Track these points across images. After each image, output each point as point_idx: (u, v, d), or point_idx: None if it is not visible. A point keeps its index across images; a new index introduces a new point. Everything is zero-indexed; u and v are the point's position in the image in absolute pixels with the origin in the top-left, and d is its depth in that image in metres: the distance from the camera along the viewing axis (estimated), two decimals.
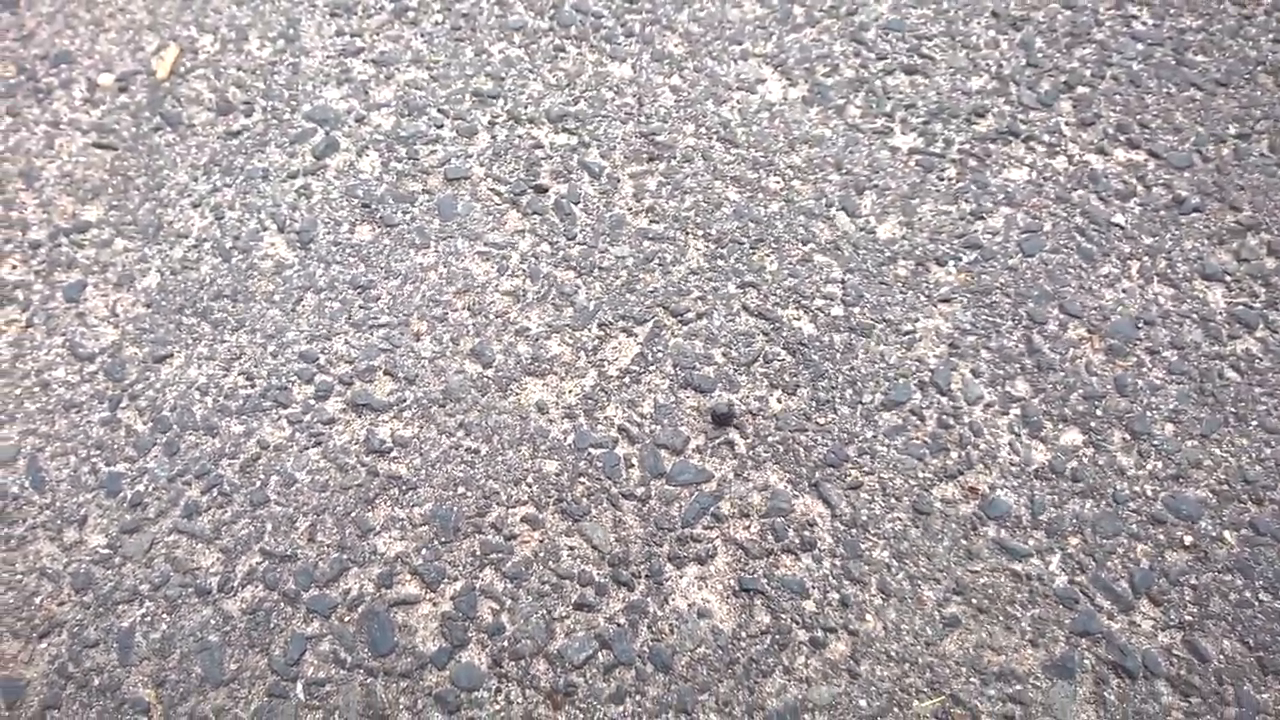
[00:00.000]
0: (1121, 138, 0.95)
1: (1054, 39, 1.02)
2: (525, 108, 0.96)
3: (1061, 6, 1.05)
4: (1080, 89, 0.99)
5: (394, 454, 0.77)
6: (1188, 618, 0.70)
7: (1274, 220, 0.90)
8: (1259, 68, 1.01)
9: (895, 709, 0.67)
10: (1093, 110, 0.97)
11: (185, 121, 0.96)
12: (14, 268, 0.88)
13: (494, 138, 0.94)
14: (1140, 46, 1.02)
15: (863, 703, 0.67)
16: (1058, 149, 0.94)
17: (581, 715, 0.67)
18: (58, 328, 0.84)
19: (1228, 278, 0.86)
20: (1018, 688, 0.68)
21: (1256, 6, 1.06)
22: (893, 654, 0.69)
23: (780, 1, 1.05)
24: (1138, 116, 0.96)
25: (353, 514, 0.74)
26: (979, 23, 1.04)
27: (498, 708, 0.67)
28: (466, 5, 1.04)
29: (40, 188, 0.92)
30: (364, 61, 1.00)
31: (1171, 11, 1.05)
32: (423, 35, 1.02)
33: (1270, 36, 1.04)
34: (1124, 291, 0.85)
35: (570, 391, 0.79)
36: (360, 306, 0.84)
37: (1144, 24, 1.04)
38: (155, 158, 0.93)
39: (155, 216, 0.90)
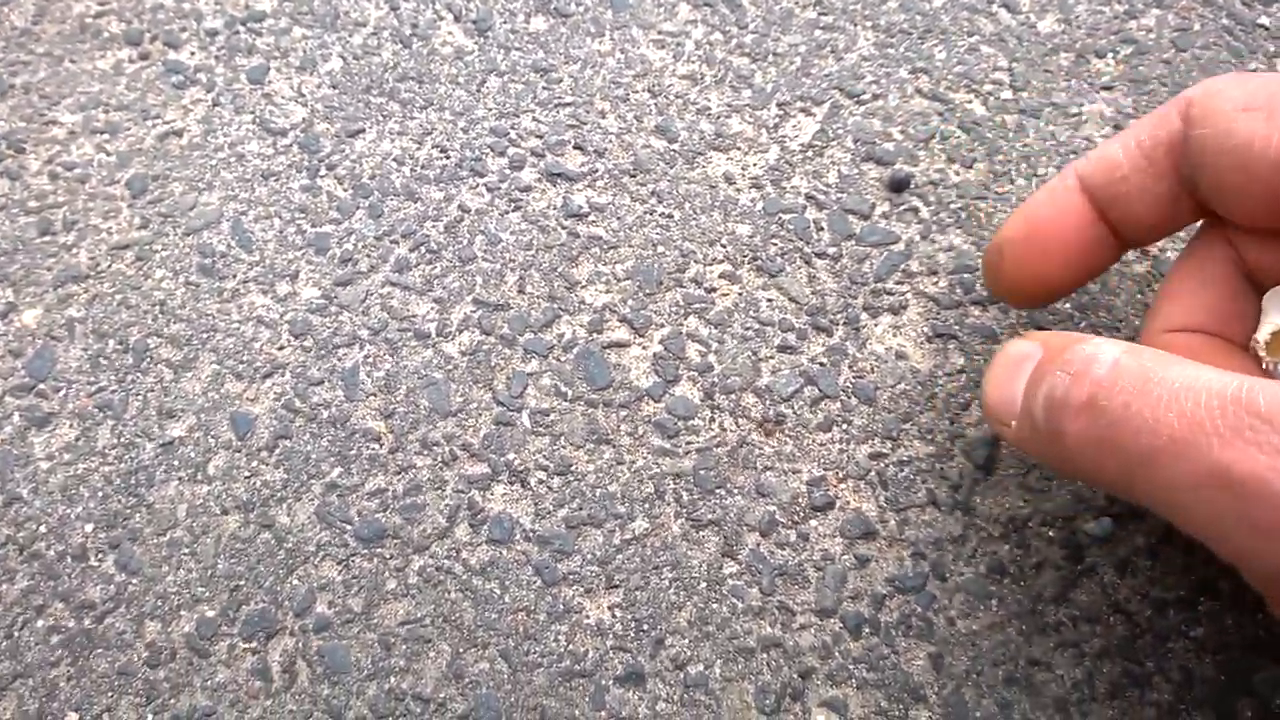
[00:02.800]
0: None
1: None
2: None
3: None
4: None
5: (591, 217, 0.79)
6: None
7: None
8: None
9: None
10: None
11: None
12: (192, 54, 0.89)
13: None
14: None
15: None
16: None
17: (792, 441, 0.70)
18: (245, 106, 0.85)
19: None
20: None
21: None
22: None
23: None
24: None
25: (558, 269, 0.77)
26: None
27: (713, 434, 0.70)
28: None
29: None
30: None
31: None
32: None
33: None
34: None
35: (755, 164, 0.81)
36: (544, 88, 0.85)
37: None
38: None
39: (331, 7, 0.90)
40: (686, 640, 0.64)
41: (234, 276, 0.77)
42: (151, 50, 0.89)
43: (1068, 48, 0.89)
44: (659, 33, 0.89)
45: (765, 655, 0.64)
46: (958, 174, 0.81)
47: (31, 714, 0.64)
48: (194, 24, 0.90)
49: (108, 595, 0.67)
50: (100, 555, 0.68)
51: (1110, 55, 0.89)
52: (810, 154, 0.82)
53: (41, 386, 0.74)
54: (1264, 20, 0.92)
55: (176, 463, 0.71)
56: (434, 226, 0.78)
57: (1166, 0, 0.93)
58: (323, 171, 0.81)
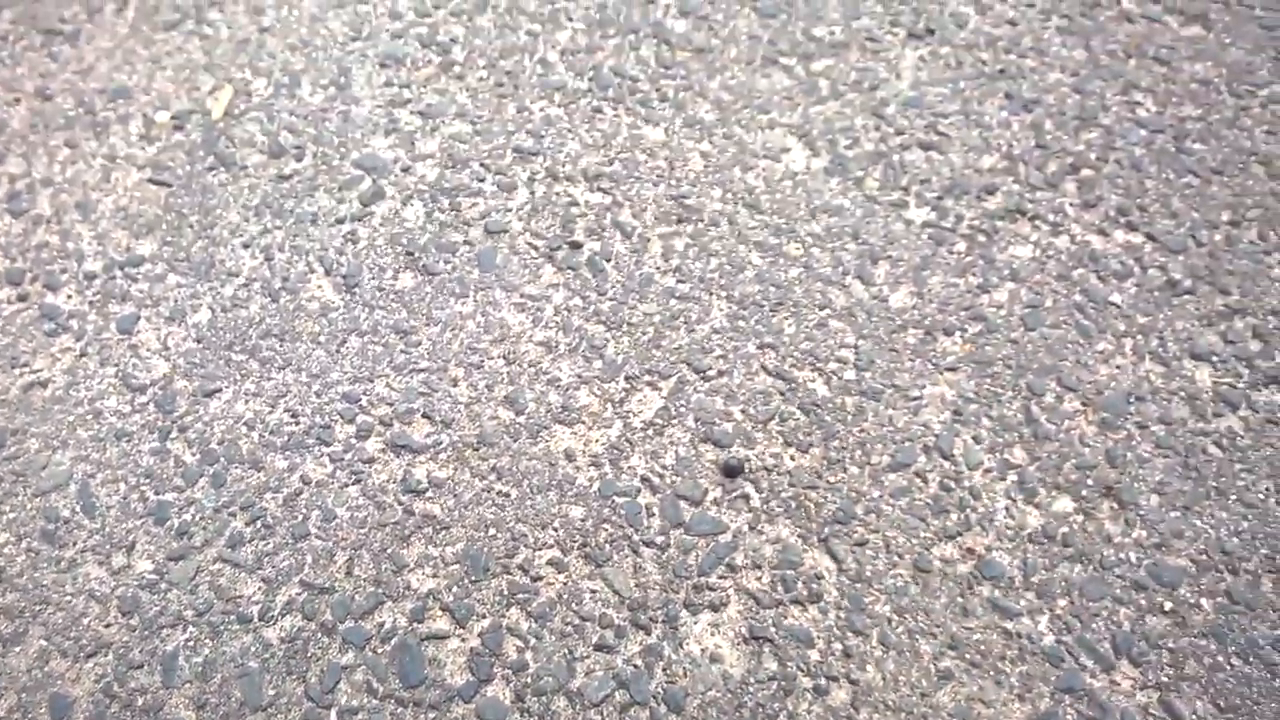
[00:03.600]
0: (1121, 220, 1.01)
1: (1063, 122, 1.08)
2: (563, 165, 1.02)
3: (1071, 90, 1.11)
4: (1085, 171, 1.04)
5: (429, 494, 0.81)
6: (1164, 679, 0.75)
7: (1259, 305, 0.96)
8: (1252, 158, 1.07)
9: None
10: (1096, 192, 1.03)
11: (238, 163, 1.01)
12: (69, 297, 0.93)
13: (533, 193, 1.00)
14: (1143, 133, 1.08)
15: None
16: (1061, 228, 1.00)
17: None
18: (111, 358, 0.89)
19: (1214, 358, 0.92)
20: None
21: (1252, 98, 1.12)
22: (890, 703, 0.73)
23: (806, 74, 1.10)
24: (1137, 200, 1.02)
25: (389, 550, 0.79)
26: (992, 103, 1.09)
27: None
28: (510, 63, 1.10)
29: (96, 220, 0.97)
30: (411, 112, 1.05)
31: (1174, 100, 1.12)
32: (467, 90, 1.08)
33: (1264, 128, 1.10)
34: (1118, 367, 0.90)
35: (597, 441, 0.84)
36: (402, 351, 0.89)
37: (1147, 110, 1.10)
38: (208, 197, 0.98)
39: (207, 254, 0.95)
40: None
41: (73, 545, 0.79)
42: (30, 291, 0.92)
43: (917, 323, 0.92)
44: (521, 295, 0.92)
45: None
46: (793, 459, 0.84)
47: None
48: (75, 265, 0.94)
49: None
50: None
51: (958, 333, 0.92)
52: (651, 432, 0.85)
53: None
54: (1115, 297, 0.96)
55: None
56: (273, 499, 0.81)
57: (1022, 274, 0.97)
58: (174, 433, 0.84)
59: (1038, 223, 1.00)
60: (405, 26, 1.13)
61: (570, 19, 1.14)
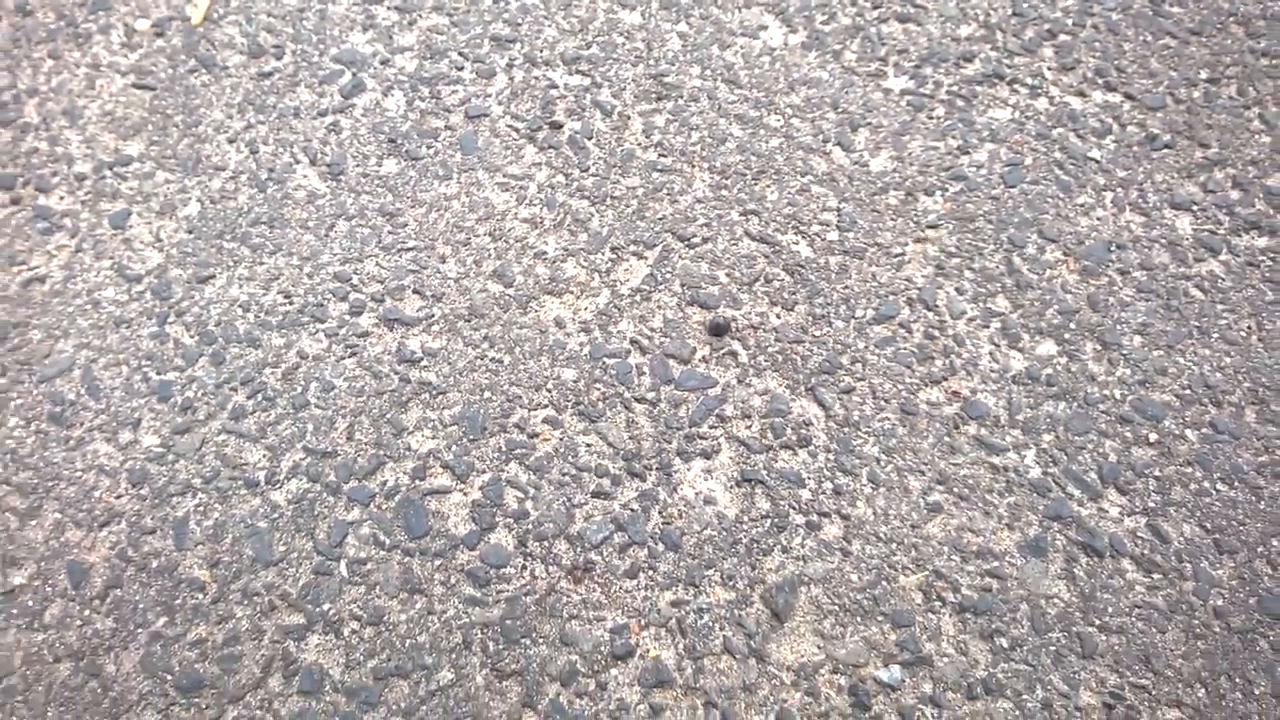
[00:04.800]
0: (1100, 81, 1.01)
1: None
2: (541, 51, 1.02)
3: None
4: (1062, 36, 1.05)
5: (424, 363, 0.83)
6: (1151, 505, 0.77)
7: (1239, 156, 0.97)
8: (1230, 18, 1.07)
9: (883, 582, 0.74)
10: (1073, 56, 1.03)
11: (219, 64, 1.02)
12: (61, 198, 0.94)
13: (511, 79, 1.00)
14: None
15: (854, 577, 0.74)
16: (1039, 91, 1.00)
17: (599, 588, 0.74)
18: (105, 252, 0.90)
19: (1195, 207, 0.93)
20: (995, 565, 0.75)
21: None
22: (881, 535, 0.76)
23: None
24: (1115, 62, 1.03)
25: (387, 416, 0.81)
26: None
27: (523, 582, 0.74)
28: None
29: (83, 125, 0.98)
30: (387, 8, 1.06)
31: None
32: None
33: None
34: (1098, 219, 0.92)
35: (585, 309, 0.86)
36: (389, 232, 0.90)
37: None
38: (192, 97, 0.99)
39: (193, 151, 0.96)
40: None
41: (80, 425, 0.81)
42: (23, 195, 0.94)
43: (898, 185, 0.94)
44: (504, 175, 0.94)
45: None
46: (778, 317, 0.85)
47: None
48: (65, 168, 0.95)
49: None
50: None
51: (939, 193, 0.93)
52: (638, 298, 0.86)
53: None
54: (1094, 153, 0.97)
55: (16, 611, 0.75)
56: (272, 373, 0.83)
57: (1001, 135, 0.98)
58: (172, 318, 0.86)
59: (1016, 86, 1.01)
60: None
61: None
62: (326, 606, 0.73)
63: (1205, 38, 1.06)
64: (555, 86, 1.00)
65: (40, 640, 0.74)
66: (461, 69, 1.01)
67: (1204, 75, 1.03)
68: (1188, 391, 0.83)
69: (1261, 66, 1.04)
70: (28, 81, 1.02)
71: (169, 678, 0.72)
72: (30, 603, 0.75)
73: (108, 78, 1.02)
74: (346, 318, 0.86)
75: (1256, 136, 0.99)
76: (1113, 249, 0.90)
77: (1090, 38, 1.05)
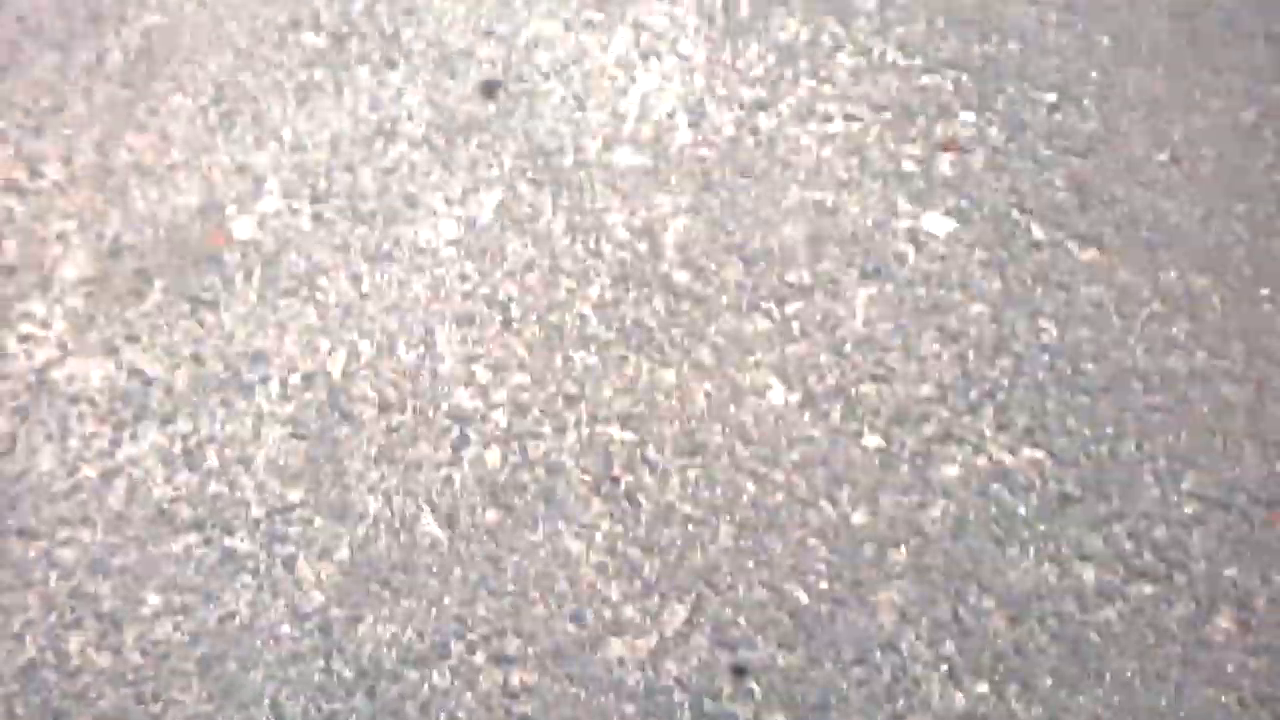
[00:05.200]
0: (1028, 439, 1.30)
1: (982, 351, 1.38)
2: (600, 409, 1.32)
3: (990, 320, 1.41)
4: (999, 395, 1.34)
5: (523, 698, 1.11)
6: None
7: (1134, 509, 1.25)
8: (1132, 375, 1.36)
9: None
10: (1008, 414, 1.32)
11: (356, 416, 1.31)
12: (242, 539, 1.22)
13: (579, 435, 1.29)
14: (1046, 357, 1.38)
15: None
16: (980, 449, 1.29)
17: None
18: (280, 591, 1.19)
19: (1097, 559, 1.21)
20: None
21: (1134, 319, 1.42)
22: None
23: (781, 317, 1.40)
24: (1040, 421, 1.32)
25: None
26: (928, 335, 1.39)
27: None
28: (555, 318, 1.40)
29: (254, 471, 1.27)
30: (483, 366, 1.35)
31: (1071, 323, 1.41)
32: (524, 344, 1.37)
33: (1143, 346, 1.39)
34: (1023, 570, 1.20)
35: (641, 649, 1.14)
36: (493, 578, 1.18)
37: (1050, 335, 1.40)
38: (338, 448, 1.28)
39: (342, 500, 1.24)
40: None
41: None
42: (211, 536, 1.22)
43: (872, 539, 1.22)
44: (578, 525, 1.22)
45: None
46: (783, 659, 1.13)
47: None
48: (243, 511, 1.24)
49: None
50: None
51: (903, 545, 1.22)
52: (680, 640, 1.15)
53: None
54: (1021, 510, 1.25)
55: None
56: (412, 705, 1.11)
57: (950, 491, 1.26)
58: (334, 654, 1.14)
59: (963, 444, 1.30)
60: (473, 288, 1.43)
61: (597, 275, 1.44)
62: None
63: (1112, 394, 1.35)
64: (613, 442, 1.29)
65: None
66: (542, 425, 1.31)
67: (1110, 431, 1.31)
68: None
69: (1155, 422, 1.33)
70: (206, 428, 1.31)
71: None
72: None
73: (269, 426, 1.31)
74: (464, 655, 1.14)
75: (1149, 490, 1.27)
76: (1034, 599, 1.18)
77: (1022, 397, 1.34)
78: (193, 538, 1.22)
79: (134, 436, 1.30)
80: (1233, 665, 1.14)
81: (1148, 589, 1.19)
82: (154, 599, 1.18)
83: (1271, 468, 1.28)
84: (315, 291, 1.43)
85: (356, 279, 1.44)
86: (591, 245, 1.48)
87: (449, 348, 1.37)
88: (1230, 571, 1.20)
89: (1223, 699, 1.12)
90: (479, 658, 1.13)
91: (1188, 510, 1.25)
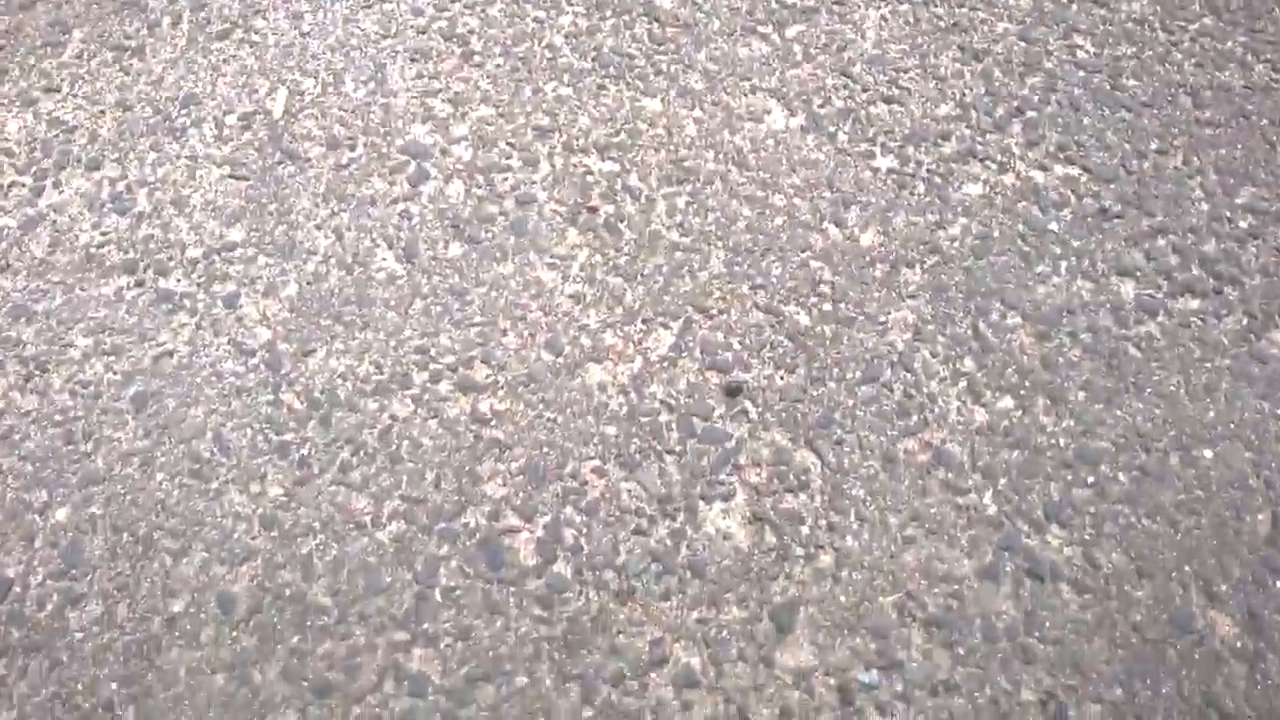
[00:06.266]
0: (1061, 155, 1.21)
1: (1010, 69, 1.28)
2: (577, 140, 1.23)
3: (1018, 39, 1.31)
4: (1029, 112, 1.25)
5: (493, 423, 1.06)
6: (1086, 537, 0.99)
7: (1180, 224, 1.17)
8: (1180, 89, 1.27)
9: (866, 602, 0.96)
10: (1039, 131, 1.23)
11: (302, 155, 1.23)
12: (178, 280, 1.16)
13: (553, 166, 1.21)
14: (1082, 74, 1.28)
15: (842, 598, 0.97)
16: (1007, 166, 1.20)
17: (640, 609, 0.97)
18: (222, 329, 1.13)
19: (1138, 273, 1.13)
20: (956, 587, 0.97)
21: (1183, 33, 1.32)
22: (865, 564, 0.98)
23: (781, 40, 1.30)
24: (1075, 136, 1.23)
25: (466, 468, 1.03)
26: (947, 55, 1.29)
27: (580, 604, 0.97)
28: (523, 49, 1.30)
29: (190, 213, 1.20)
30: (441, 100, 1.27)
31: (1110, 40, 1.31)
32: (488, 76, 1.28)
33: (1193, 61, 1.29)
34: (1054, 286, 1.12)
35: (623, 374, 1.08)
36: (458, 309, 1.12)
37: (1086, 53, 1.30)
38: (282, 186, 1.21)
39: (289, 237, 1.17)
40: None
41: (217, 478, 1.04)
42: (145, 278, 1.16)
43: (883, 259, 1.14)
44: (551, 256, 1.15)
45: None
46: (782, 379, 1.07)
47: None
48: (179, 253, 1.17)
49: None
50: (123, 706, 0.95)
51: (918, 265, 1.14)
52: (666, 364, 1.08)
53: (73, 572, 1.01)
54: (1053, 225, 1.17)
55: (177, 633, 0.98)
56: (370, 433, 1.05)
57: (973, 210, 1.18)
58: (284, 387, 1.08)
59: (987, 163, 1.21)
60: (428, 22, 1.33)
61: (570, 4, 1.34)
62: (426, 626, 0.97)
63: (1156, 109, 1.25)
64: (591, 173, 1.21)
65: (198, 656, 0.97)
66: (510, 158, 1.22)
67: (1154, 146, 1.22)
68: (1122, 440, 1.04)
69: (1206, 136, 1.23)
70: (136, 173, 1.24)
71: (305, 684, 0.95)
72: (188, 626, 0.99)
73: (206, 168, 1.23)
74: (428, 384, 1.08)
75: (1197, 204, 1.19)
76: (1064, 314, 1.11)
77: (1054, 113, 1.25)
78: (124, 280, 1.16)
79: (57, 185, 1.23)
80: None
81: (1194, 303, 1.11)
82: (83, 341, 1.12)
83: None
84: (251, 33, 1.34)
85: (297, 17, 1.35)
86: None
87: (402, 83, 1.28)
88: None
89: (1279, 411, 1.05)
90: (444, 387, 1.08)
91: (1242, 224, 1.16)
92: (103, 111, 1.29)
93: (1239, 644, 0.95)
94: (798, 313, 1.11)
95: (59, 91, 1.32)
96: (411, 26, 1.33)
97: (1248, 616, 0.96)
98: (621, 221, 1.17)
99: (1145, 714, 0.92)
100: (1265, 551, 0.98)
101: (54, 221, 1.21)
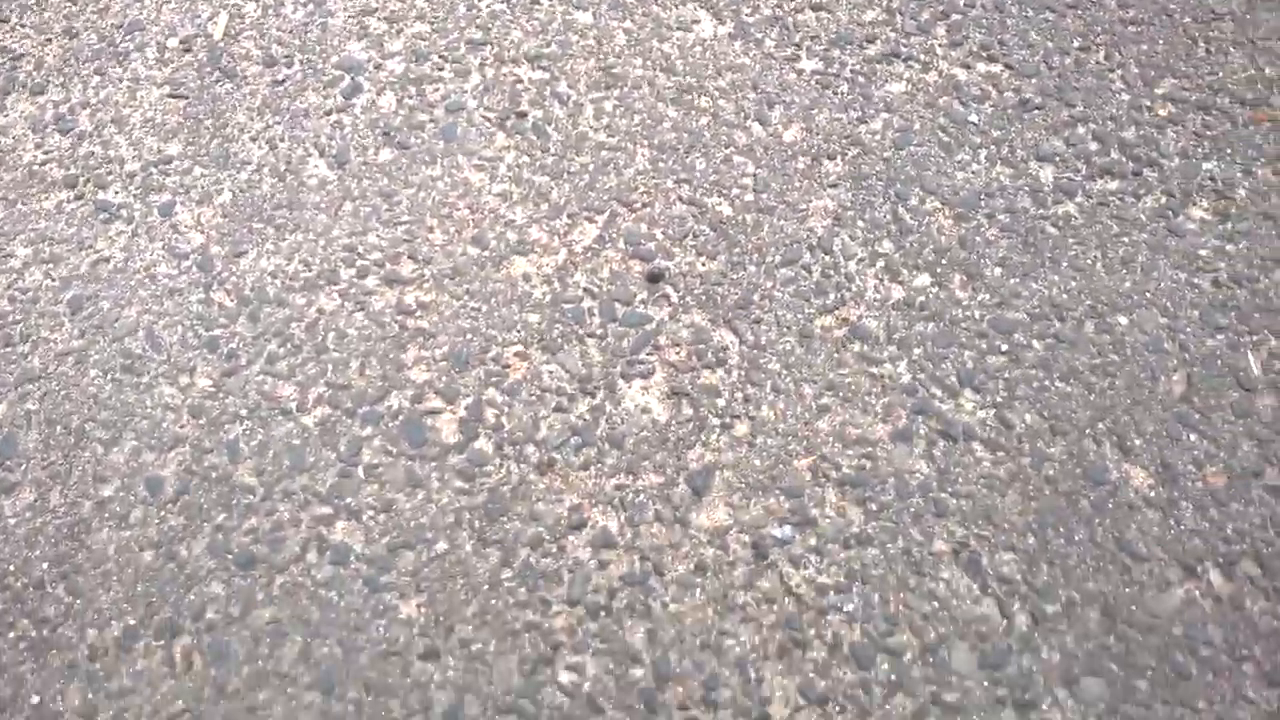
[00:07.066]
0: (984, 54, 1.28)
1: None
2: (508, 51, 1.31)
3: None
4: (954, 15, 1.32)
5: (418, 314, 1.12)
6: (1000, 400, 1.05)
7: (1101, 113, 1.23)
8: None
9: (780, 465, 1.02)
10: (962, 33, 1.30)
11: (240, 74, 1.31)
12: (117, 193, 1.23)
13: (484, 76, 1.29)
14: None
15: (757, 463, 1.02)
16: (930, 65, 1.27)
17: (559, 479, 1.02)
18: (156, 235, 1.20)
19: (1057, 159, 1.20)
20: (870, 450, 1.02)
21: None
22: (780, 431, 1.04)
23: None
24: (998, 36, 1.29)
25: (391, 356, 1.10)
26: None
27: (500, 476, 1.03)
28: None
29: (129, 131, 1.28)
30: (378, 19, 1.34)
31: None
32: None
33: None
34: (973, 173, 1.19)
35: (547, 265, 1.14)
36: (386, 210, 1.19)
37: None
38: (218, 103, 1.28)
39: (223, 149, 1.25)
40: (471, 627, 0.96)
41: (148, 373, 1.11)
42: (85, 192, 1.23)
43: (805, 153, 1.21)
44: (479, 159, 1.22)
45: (528, 635, 0.95)
46: (703, 265, 1.13)
47: (5, 698, 0.96)
48: (118, 168, 1.25)
49: (59, 612, 1.00)
50: (54, 584, 1.01)
51: (840, 157, 1.21)
52: (590, 255, 1.15)
53: (8, 463, 1.07)
54: (973, 117, 1.23)
55: (107, 515, 1.04)
56: (298, 326, 1.12)
57: (894, 105, 1.25)
58: (215, 286, 1.15)
59: (911, 63, 1.28)
60: None
61: None
62: (349, 500, 1.02)
63: (1080, 10, 1.32)
64: (521, 81, 1.28)
65: (127, 536, 1.03)
66: (442, 70, 1.30)
67: (1076, 44, 1.29)
68: (1037, 310, 1.10)
69: (1129, 34, 1.30)
70: (79, 95, 1.31)
71: (229, 557, 1.01)
72: (117, 508, 1.05)
73: (146, 89, 1.31)
74: (355, 280, 1.14)
75: (1118, 95, 1.25)
76: (983, 197, 1.17)
77: (979, 15, 1.32)
78: (64, 194, 1.24)
79: (1, 109, 1.31)
80: (1207, 250, 1.13)
81: (1113, 184, 1.17)
82: (22, 251, 1.20)
83: (1259, 69, 1.25)
84: None
85: None
86: None
87: (340, 3, 1.36)
88: (1208, 166, 1.18)
89: (1195, 281, 1.11)
90: (370, 281, 1.14)
91: (1161, 113, 1.23)
92: (49, 39, 1.37)
93: (1152, 493, 1.00)
94: (720, 204, 1.17)
95: (7, 22, 1.40)
96: None
97: (1161, 468, 1.01)
98: (549, 125, 1.24)
99: (1058, 560, 0.97)
100: (1180, 408, 1.04)
101: None
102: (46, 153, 1.28)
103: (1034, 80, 1.26)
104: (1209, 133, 1.22)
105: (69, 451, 1.08)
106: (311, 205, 1.21)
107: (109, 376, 1.12)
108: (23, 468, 1.08)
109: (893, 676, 0.93)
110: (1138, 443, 1.03)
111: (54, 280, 1.18)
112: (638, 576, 0.98)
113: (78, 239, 1.21)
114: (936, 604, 0.96)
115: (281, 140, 1.26)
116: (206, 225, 1.20)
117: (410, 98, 1.28)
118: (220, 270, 1.17)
